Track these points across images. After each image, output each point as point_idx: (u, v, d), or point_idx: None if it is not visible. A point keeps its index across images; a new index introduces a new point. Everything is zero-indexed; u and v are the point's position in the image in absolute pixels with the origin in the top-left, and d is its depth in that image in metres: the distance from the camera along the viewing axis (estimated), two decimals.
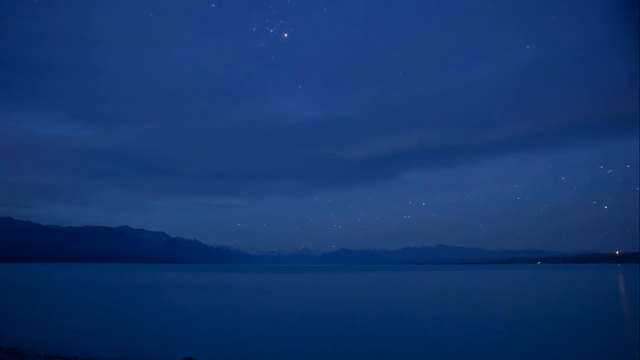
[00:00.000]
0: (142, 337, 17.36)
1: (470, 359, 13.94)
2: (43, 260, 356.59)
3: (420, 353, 14.61)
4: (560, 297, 36.88)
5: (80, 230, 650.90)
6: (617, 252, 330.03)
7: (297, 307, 29.10)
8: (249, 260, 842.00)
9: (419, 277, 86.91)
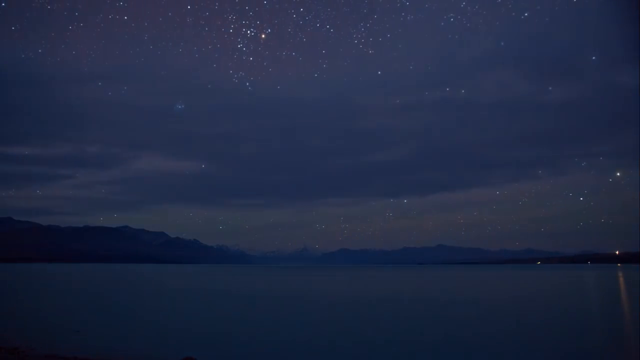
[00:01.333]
0: (142, 337, 17.37)
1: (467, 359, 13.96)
2: (43, 260, 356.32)
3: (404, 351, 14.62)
4: (560, 298, 36.87)
5: (80, 230, 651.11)
6: (617, 252, 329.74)
7: (298, 306, 29.10)
8: (249, 260, 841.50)
9: (416, 277, 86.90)
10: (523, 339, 16.79)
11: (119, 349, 15.01)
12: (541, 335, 17.63)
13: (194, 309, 28.16)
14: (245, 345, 15.92)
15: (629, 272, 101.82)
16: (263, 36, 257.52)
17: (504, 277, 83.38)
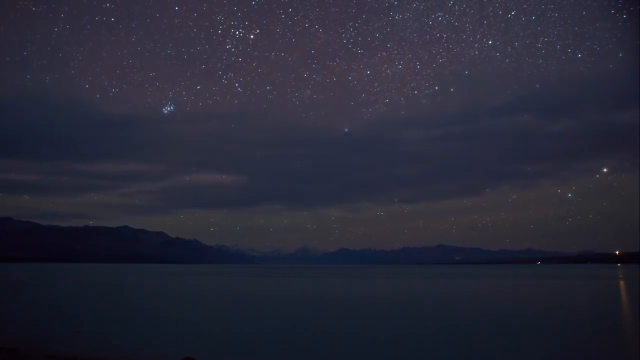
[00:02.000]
0: (142, 336, 17.35)
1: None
2: (43, 260, 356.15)
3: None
4: (560, 297, 36.84)
5: (80, 230, 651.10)
6: (617, 252, 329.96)
7: (298, 306, 29.07)
8: (249, 260, 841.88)
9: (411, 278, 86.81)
10: (523, 339, 16.77)
11: (119, 348, 14.99)
12: (540, 335, 17.62)
13: (194, 308, 28.12)
14: (246, 345, 15.90)
15: (629, 272, 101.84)
16: (252, 37, 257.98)
17: (503, 277, 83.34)
